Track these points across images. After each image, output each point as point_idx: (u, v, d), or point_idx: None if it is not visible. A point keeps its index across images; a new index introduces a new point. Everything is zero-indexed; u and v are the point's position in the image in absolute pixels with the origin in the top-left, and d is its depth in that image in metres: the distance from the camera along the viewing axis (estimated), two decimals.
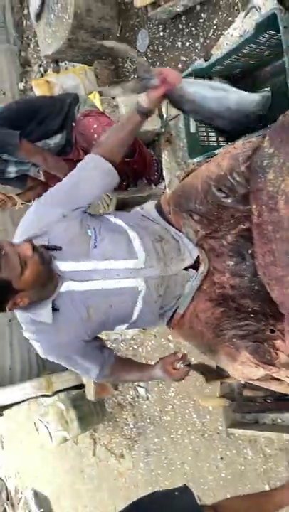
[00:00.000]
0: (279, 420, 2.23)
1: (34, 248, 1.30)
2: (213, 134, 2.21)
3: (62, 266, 1.38)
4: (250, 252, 1.46)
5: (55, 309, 1.39)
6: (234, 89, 1.75)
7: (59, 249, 1.38)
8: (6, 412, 3.97)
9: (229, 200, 1.39)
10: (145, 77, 1.40)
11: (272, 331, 1.39)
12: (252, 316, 1.45)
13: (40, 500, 5.08)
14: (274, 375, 1.36)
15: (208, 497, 2.72)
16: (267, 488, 2.36)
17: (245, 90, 1.81)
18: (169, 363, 1.57)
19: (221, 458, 2.67)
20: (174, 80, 1.40)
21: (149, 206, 1.68)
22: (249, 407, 2.31)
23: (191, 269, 1.54)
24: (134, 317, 1.48)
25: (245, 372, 1.41)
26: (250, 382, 1.46)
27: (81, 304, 1.40)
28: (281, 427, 2.20)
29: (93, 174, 1.47)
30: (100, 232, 1.42)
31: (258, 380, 1.42)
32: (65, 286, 1.39)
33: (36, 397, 3.95)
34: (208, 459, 2.78)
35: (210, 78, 2.08)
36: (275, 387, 1.44)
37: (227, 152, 1.39)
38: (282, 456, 2.30)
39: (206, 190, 1.42)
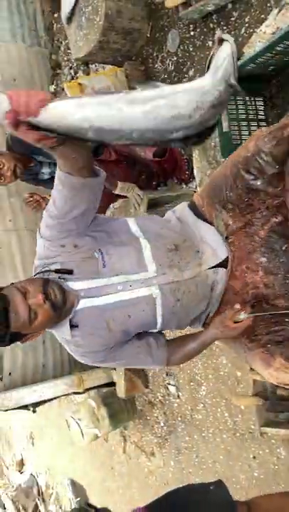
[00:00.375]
0: None
1: (47, 297, 1.33)
2: (246, 133, 2.21)
3: (76, 285, 1.42)
4: (283, 248, 1.46)
5: (74, 326, 1.43)
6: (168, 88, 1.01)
7: (70, 272, 1.41)
8: (38, 409, 4.04)
9: (258, 183, 1.39)
10: None
11: None
12: (287, 320, 1.45)
13: (77, 489, 5.16)
14: None
15: (240, 496, 2.70)
16: None
17: (277, 90, 1.69)
18: (229, 319, 1.48)
19: (254, 457, 2.66)
20: (24, 106, 0.94)
21: (182, 206, 1.67)
22: (283, 406, 2.29)
23: (221, 268, 1.52)
24: (159, 323, 1.49)
25: (280, 378, 1.40)
26: (286, 387, 1.46)
27: (99, 318, 1.43)
28: None
29: (67, 194, 1.31)
30: (108, 252, 1.43)
31: None
32: (81, 304, 1.42)
33: (68, 395, 4.01)
34: (240, 458, 2.77)
35: (240, 78, 2.05)
36: None
37: (253, 136, 1.40)
38: None
39: (235, 173, 1.42)
